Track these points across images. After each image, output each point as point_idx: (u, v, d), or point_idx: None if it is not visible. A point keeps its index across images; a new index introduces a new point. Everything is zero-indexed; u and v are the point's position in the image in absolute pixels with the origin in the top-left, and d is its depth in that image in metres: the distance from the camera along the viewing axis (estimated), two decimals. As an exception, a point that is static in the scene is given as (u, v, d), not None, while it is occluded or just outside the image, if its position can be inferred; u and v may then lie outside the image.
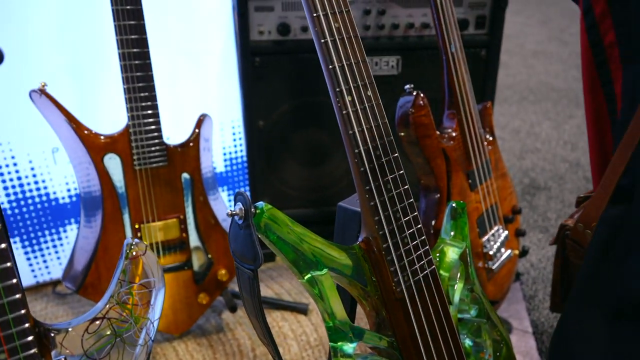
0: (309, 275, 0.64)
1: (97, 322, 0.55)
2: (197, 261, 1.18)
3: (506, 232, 1.18)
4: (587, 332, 0.75)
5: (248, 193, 1.46)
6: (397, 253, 0.68)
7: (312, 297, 0.65)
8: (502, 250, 1.16)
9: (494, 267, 1.12)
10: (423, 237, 0.71)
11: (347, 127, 0.65)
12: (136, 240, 0.57)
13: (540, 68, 3.40)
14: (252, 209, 0.60)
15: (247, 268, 0.62)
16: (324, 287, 0.64)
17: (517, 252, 1.24)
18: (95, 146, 1.03)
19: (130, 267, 0.56)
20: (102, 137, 1.03)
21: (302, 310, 1.31)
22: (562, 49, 3.72)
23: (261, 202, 0.61)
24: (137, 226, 1.09)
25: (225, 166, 1.48)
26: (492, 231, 1.14)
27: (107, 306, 0.55)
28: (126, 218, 1.09)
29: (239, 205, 0.60)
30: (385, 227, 0.67)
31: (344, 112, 0.65)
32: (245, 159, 1.47)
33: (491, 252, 1.12)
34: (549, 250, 1.57)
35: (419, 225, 0.71)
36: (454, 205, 0.83)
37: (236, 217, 0.61)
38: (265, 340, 0.66)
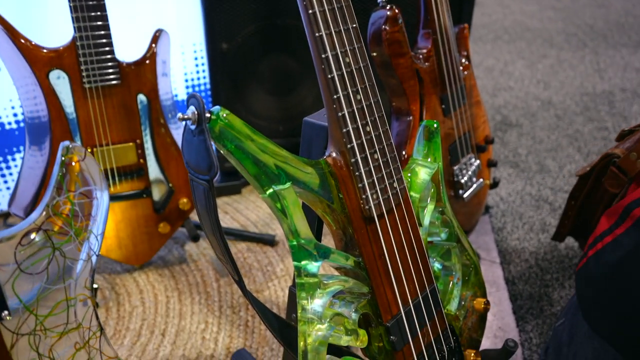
0: (271, 190, 0.59)
1: (33, 236, 0.49)
2: (157, 190, 1.12)
3: (478, 162, 1.15)
4: None
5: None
6: (366, 169, 0.64)
7: (275, 214, 0.60)
8: (474, 179, 1.14)
9: (465, 196, 1.10)
10: (394, 154, 0.67)
11: (314, 30, 0.59)
12: (74, 143, 0.51)
13: (515, 8, 3.33)
14: (207, 114, 0.54)
15: (202, 179, 0.57)
16: (287, 202, 0.60)
17: (488, 182, 1.22)
18: (38, 60, 0.93)
19: (68, 174, 0.50)
20: (44, 50, 0.93)
21: (268, 241, 1.27)
22: (538, -12, 3.64)
23: (217, 107, 0.55)
24: (89, 150, 1.01)
25: (187, 93, 1.39)
26: (465, 159, 1.11)
27: (43, 214, 0.49)
28: (77, 142, 1.01)
29: (192, 109, 0.54)
30: (353, 140, 0.62)
31: (310, 11, 0.58)
32: (208, 85, 1.39)
33: (463, 181, 1.09)
34: (519, 185, 1.56)
35: (390, 141, 0.66)
36: (426, 124, 0.79)
37: (189, 122, 0.55)
38: (224, 258, 0.62)
